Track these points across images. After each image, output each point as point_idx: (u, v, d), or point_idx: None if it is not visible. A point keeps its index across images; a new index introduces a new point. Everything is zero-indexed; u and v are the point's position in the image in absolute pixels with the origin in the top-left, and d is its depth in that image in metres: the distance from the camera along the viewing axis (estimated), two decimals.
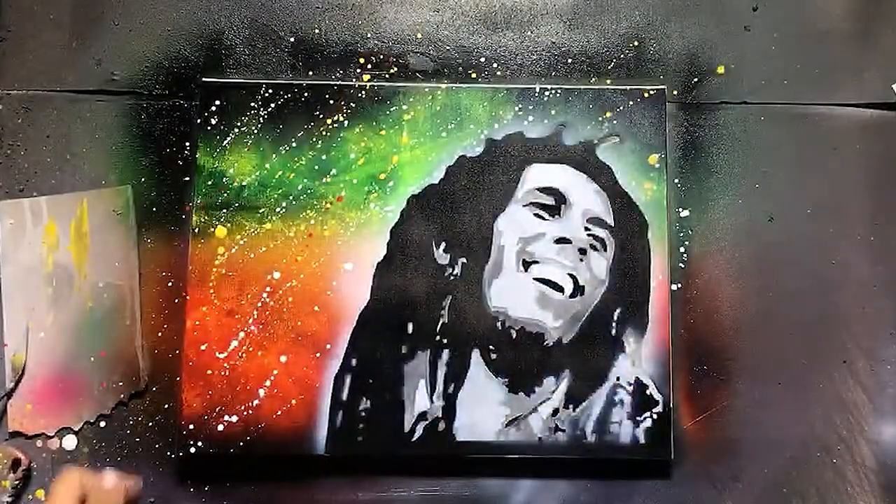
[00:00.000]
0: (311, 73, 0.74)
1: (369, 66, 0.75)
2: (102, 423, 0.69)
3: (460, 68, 0.75)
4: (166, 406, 0.70)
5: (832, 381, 0.72)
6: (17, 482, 0.67)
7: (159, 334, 0.71)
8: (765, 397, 0.71)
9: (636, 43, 0.76)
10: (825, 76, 0.76)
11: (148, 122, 0.73)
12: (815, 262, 0.74)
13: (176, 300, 0.71)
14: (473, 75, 0.75)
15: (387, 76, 0.74)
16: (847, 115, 0.75)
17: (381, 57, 0.75)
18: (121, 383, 0.70)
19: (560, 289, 0.69)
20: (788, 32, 0.76)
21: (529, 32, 0.76)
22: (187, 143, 0.73)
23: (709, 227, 0.74)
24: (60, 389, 0.69)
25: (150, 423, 0.69)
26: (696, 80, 0.76)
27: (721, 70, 0.76)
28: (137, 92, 0.74)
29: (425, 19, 0.76)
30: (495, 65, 0.75)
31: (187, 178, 0.72)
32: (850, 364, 0.72)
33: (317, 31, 0.75)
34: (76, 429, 0.69)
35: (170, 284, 0.71)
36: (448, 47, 0.76)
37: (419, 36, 0.76)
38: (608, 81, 0.75)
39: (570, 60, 0.76)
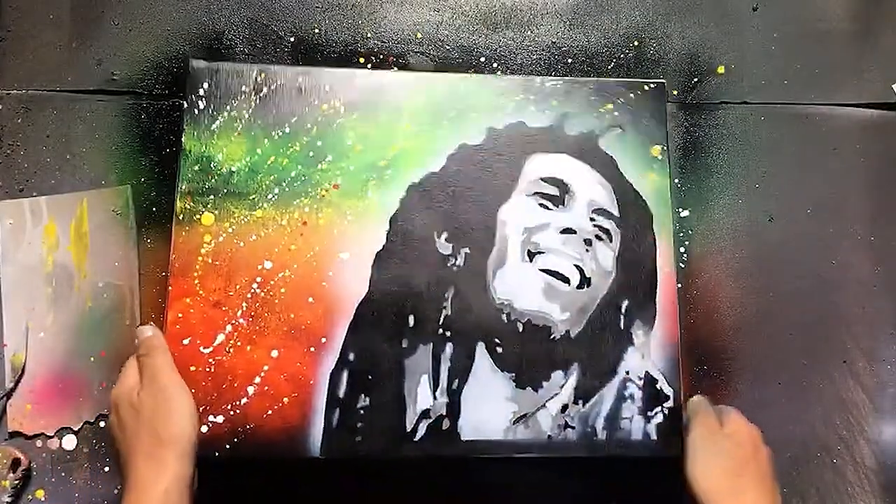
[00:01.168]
0: None
1: (369, 66, 0.75)
2: (102, 423, 0.69)
3: (460, 68, 0.75)
4: None
5: (832, 381, 0.72)
6: (16, 482, 0.67)
7: None
8: (765, 397, 0.71)
9: (636, 43, 0.76)
10: (825, 76, 0.76)
11: (148, 122, 0.73)
12: (815, 262, 0.74)
13: None
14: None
15: None
16: (847, 115, 0.75)
17: (381, 57, 0.75)
18: None
19: (566, 280, 0.67)
20: (788, 32, 0.76)
21: (529, 32, 0.76)
22: None
23: (709, 227, 0.74)
24: (60, 389, 0.69)
25: None
26: (696, 80, 0.76)
27: (721, 70, 0.76)
28: (137, 92, 0.74)
29: (425, 19, 0.76)
30: (495, 65, 0.75)
31: None
32: (850, 364, 0.72)
33: (317, 31, 0.75)
34: (76, 429, 0.69)
35: None
36: (448, 47, 0.76)
37: (419, 36, 0.76)
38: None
39: (570, 60, 0.76)
